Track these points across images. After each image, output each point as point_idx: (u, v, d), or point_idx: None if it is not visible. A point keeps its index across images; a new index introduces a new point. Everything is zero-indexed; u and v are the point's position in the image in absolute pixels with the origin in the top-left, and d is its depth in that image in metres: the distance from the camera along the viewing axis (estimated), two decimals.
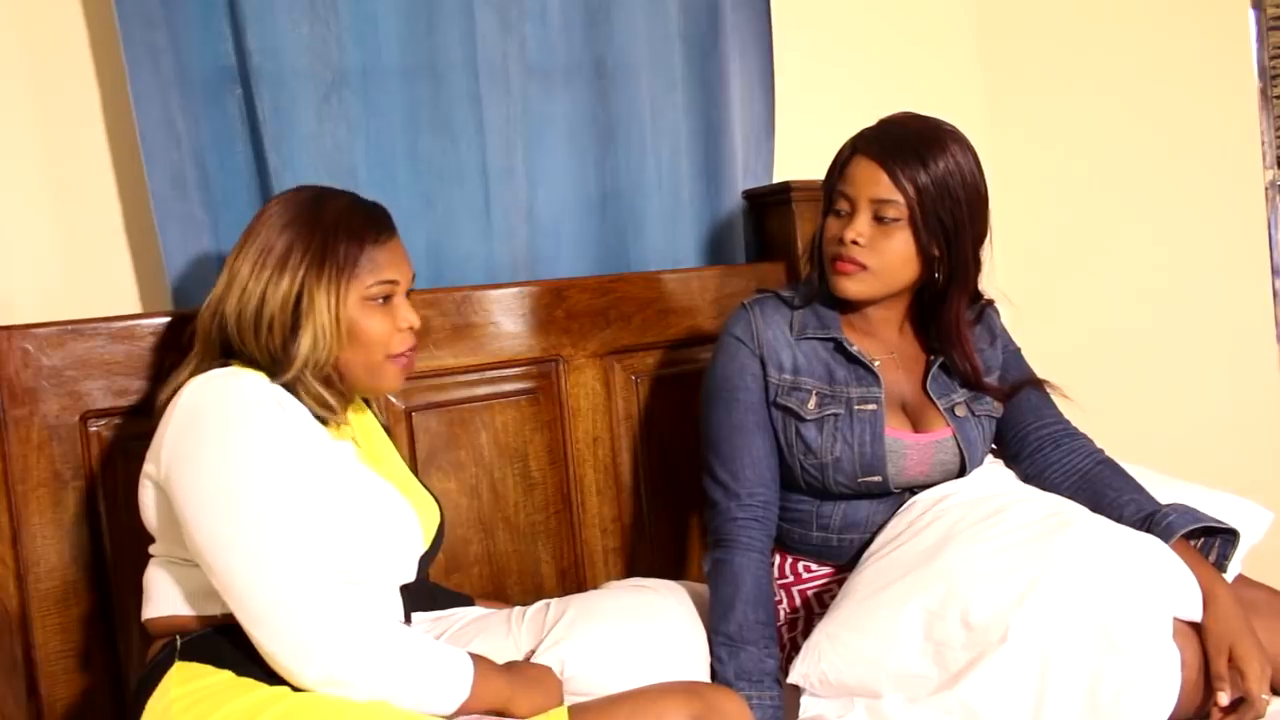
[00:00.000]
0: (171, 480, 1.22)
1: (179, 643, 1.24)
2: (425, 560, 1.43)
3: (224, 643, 1.22)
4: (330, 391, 1.33)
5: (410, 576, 1.41)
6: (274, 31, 1.72)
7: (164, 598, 1.29)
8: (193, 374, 1.30)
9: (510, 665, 1.35)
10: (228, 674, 1.20)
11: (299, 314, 1.29)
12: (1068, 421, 1.71)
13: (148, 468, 1.28)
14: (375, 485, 1.36)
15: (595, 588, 1.84)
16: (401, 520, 1.37)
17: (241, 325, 1.30)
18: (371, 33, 1.84)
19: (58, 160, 1.67)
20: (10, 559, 1.45)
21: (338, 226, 1.31)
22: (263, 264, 1.30)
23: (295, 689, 1.18)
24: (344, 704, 1.16)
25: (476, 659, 1.27)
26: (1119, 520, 1.51)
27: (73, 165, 1.68)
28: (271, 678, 1.19)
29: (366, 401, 1.54)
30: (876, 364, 1.64)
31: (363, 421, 1.48)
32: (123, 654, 1.55)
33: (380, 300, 1.34)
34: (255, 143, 1.75)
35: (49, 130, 1.66)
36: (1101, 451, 1.68)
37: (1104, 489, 1.60)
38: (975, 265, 1.63)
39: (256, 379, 1.27)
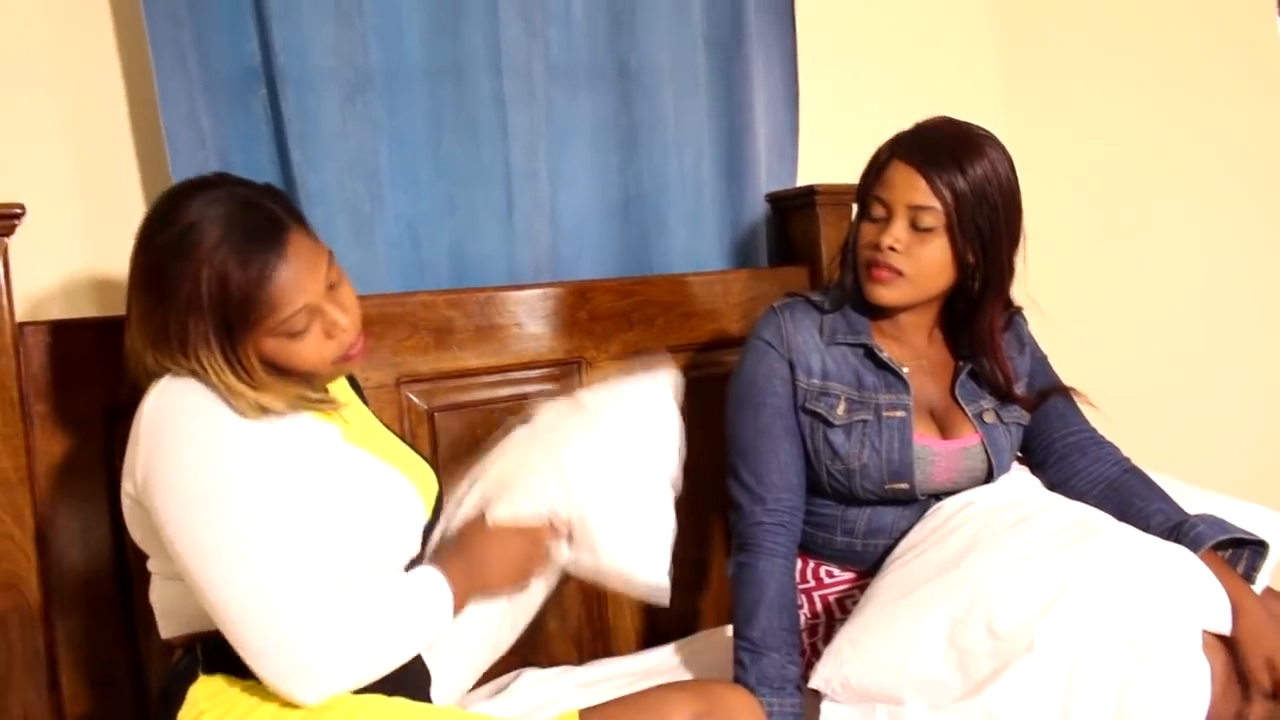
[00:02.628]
0: (148, 499, 1.17)
1: (200, 650, 1.22)
2: (428, 530, 1.38)
3: None
4: (295, 391, 1.24)
5: (415, 551, 1.36)
6: (299, 31, 1.73)
7: (178, 616, 1.26)
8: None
9: (450, 551, 1.35)
10: (252, 681, 1.18)
11: (213, 384, 1.18)
12: (1094, 429, 1.70)
13: (125, 485, 1.22)
14: (367, 466, 1.30)
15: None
16: (400, 497, 1.32)
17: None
18: (396, 34, 1.84)
19: (83, 157, 1.68)
20: (33, 553, 1.45)
21: (213, 281, 1.15)
22: (144, 336, 1.19)
23: None
24: (368, 702, 1.17)
25: (442, 568, 1.28)
26: (1146, 530, 1.49)
27: (98, 162, 1.69)
28: None
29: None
30: (905, 370, 1.63)
31: (342, 395, 1.41)
32: (143, 649, 1.55)
33: (296, 331, 1.21)
34: (279, 142, 1.76)
35: (75, 127, 1.67)
36: (1129, 460, 1.67)
37: (1131, 498, 1.59)
38: (1010, 271, 1.62)
39: (204, 389, 1.19)
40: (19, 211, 1.42)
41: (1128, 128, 2.58)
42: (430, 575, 1.27)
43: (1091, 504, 1.58)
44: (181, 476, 1.15)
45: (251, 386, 1.19)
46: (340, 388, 1.42)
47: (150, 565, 1.29)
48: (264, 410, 1.20)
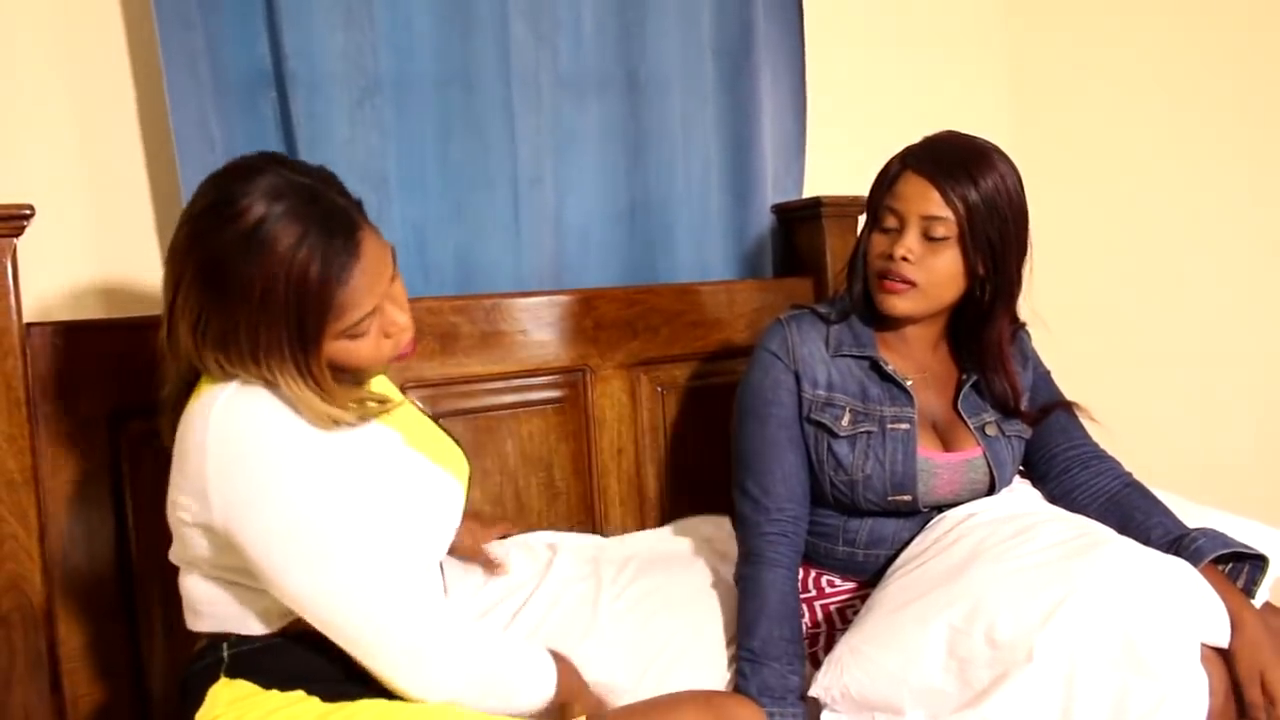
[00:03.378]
0: (234, 528, 1.14)
1: (226, 653, 1.23)
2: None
3: (272, 655, 1.22)
4: (357, 397, 1.23)
5: (447, 548, 1.39)
6: (310, 36, 1.74)
7: (215, 615, 1.24)
8: (189, 392, 1.20)
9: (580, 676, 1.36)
10: (274, 693, 1.19)
11: (284, 395, 1.15)
12: (1096, 444, 1.70)
13: (183, 510, 1.17)
14: (424, 471, 1.30)
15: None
16: (451, 500, 1.33)
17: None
18: (406, 41, 1.85)
19: (93, 159, 1.68)
20: (37, 554, 1.45)
21: (291, 283, 1.10)
22: (204, 336, 1.13)
23: (325, 699, 1.19)
24: (403, 708, 1.17)
25: (557, 658, 1.29)
26: (1146, 543, 1.49)
27: (107, 164, 1.69)
28: (313, 689, 1.19)
29: None
30: (910, 383, 1.63)
31: (391, 391, 1.42)
32: (145, 652, 1.56)
33: (360, 334, 1.19)
34: (288, 147, 1.76)
35: (85, 129, 1.67)
36: (1130, 474, 1.67)
37: (1131, 511, 1.59)
38: (1019, 283, 1.63)
39: (282, 409, 1.16)
40: (28, 213, 1.42)
41: (1136, 146, 2.59)
42: (543, 651, 1.29)
43: (1092, 517, 1.58)
44: (280, 508, 1.13)
45: (321, 396, 1.15)
46: (384, 383, 1.41)
47: (179, 558, 1.25)
48: (335, 423, 1.17)
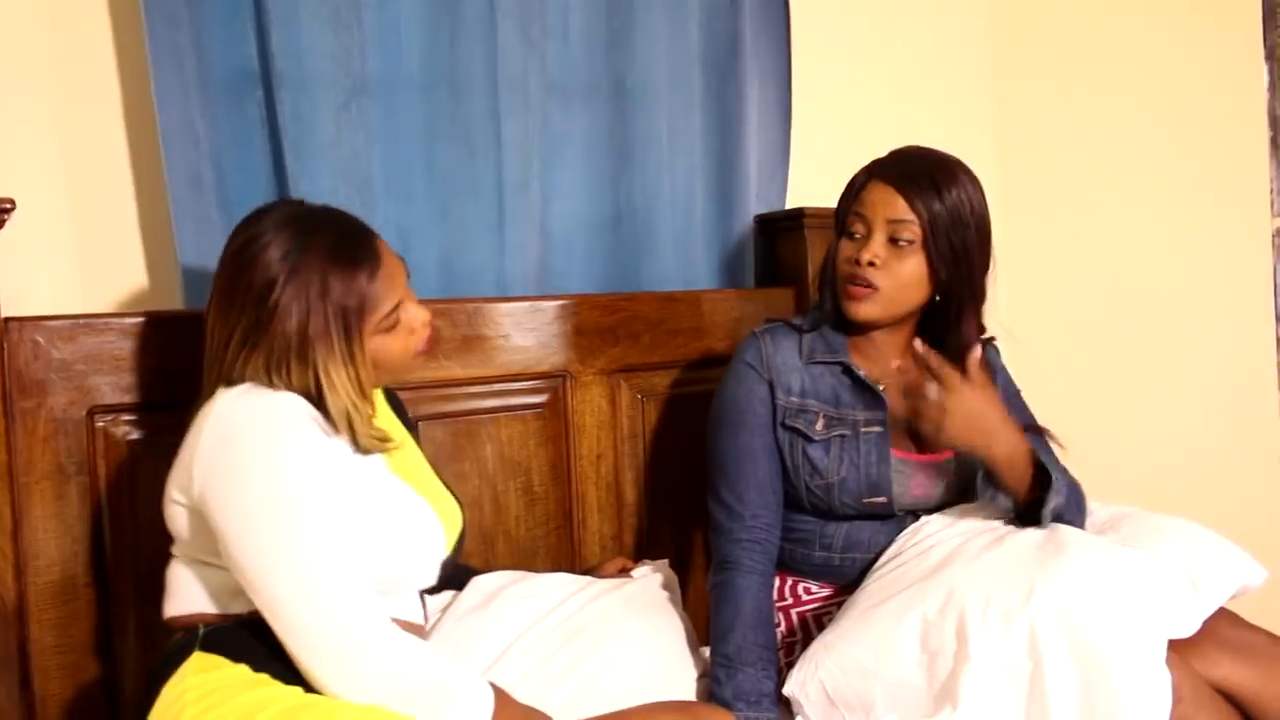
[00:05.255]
0: (207, 495, 1.22)
1: (201, 632, 1.25)
2: (445, 564, 1.44)
3: (245, 636, 1.23)
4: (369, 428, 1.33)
5: (431, 581, 1.42)
6: (297, 36, 1.73)
7: (189, 595, 1.29)
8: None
9: (528, 708, 1.34)
10: (244, 668, 1.21)
11: (320, 390, 1.27)
12: (1063, 468, 1.72)
13: (175, 488, 1.27)
14: (405, 499, 1.36)
15: None
16: (428, 532, 1.38)
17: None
18: (394, 42, 1.85)
19: (76, 154, 1.67)
20: (10, 551, 1.44)
21: (329, 283, 1.26)
22: (255, 344, 1.26)
23: (308, 689, 1.19)
24: (350, 707, 1.17)
25: (498, 691, 1.28)
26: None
27: (92, 160, 1.68)
28: (286, 675, 1.20)
29: (388, 395, 1.55)
30: (881, 388, 1.66)
31: (385, 421, 1.48)
32: (119, 651, 1.54)
33: (392, 325, 1.33)
34: (274, 147, 1.75)
35: (69, 124, 1.66)
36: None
37: None
38: (982, 294, 1.68)
39: (292, 398, 1.26)
40: (8, 206, 1.41)
41: (1116, 169, 2.62)
42: (485, 683, 1.28)
43: None
44: (254, 488, 1.21)
45: (360, 390, 1.29)
46: (391, 424, 1.49)
47: (175, 549, 1.32)
48: (351, 427, 1.28)
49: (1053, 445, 1.72)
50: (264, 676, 1.19)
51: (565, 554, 1.93)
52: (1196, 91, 2.50)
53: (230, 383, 1.27)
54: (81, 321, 1.51)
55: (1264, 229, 2.44)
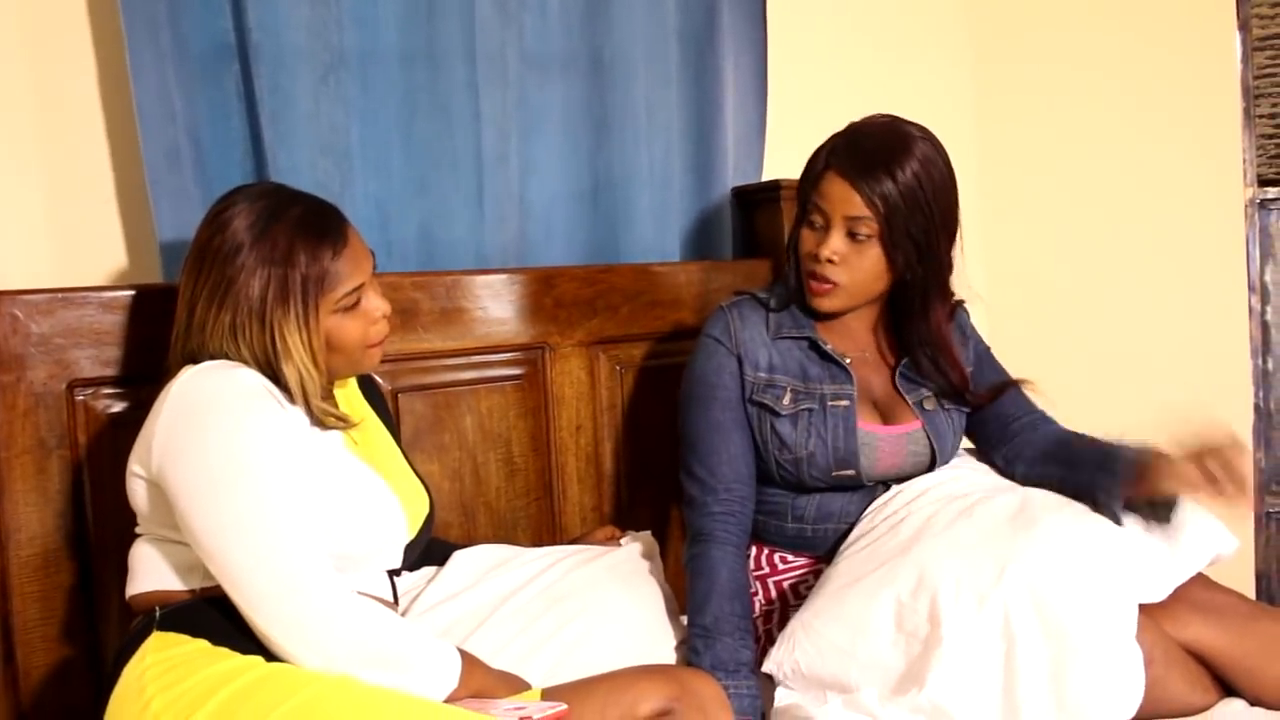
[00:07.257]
0: (165, 467, 1.24)
1: (158, 613, 1.25)
2: (411, 548, 1.44)
3: (203, 612, 1.24)
4: (322, 401, 1.36)
5: (395, 563, 1.43)
6: (274, 9, 1.72)
7: (148, 573, 1.31)
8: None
9: (501, 672, 1.36)
10: (203, 643, 1.21)
11: (276, 355, 1.30)
12: (1042, 411, 1.77)
13: (135, 462, 1.29)
14: (360, 474, 1.37)
15: None
16: (385, 510, 1.39)
17: (216, 359, 1.31)
18: (371, 16, 1.84)
19: (52, 129, 1.66)
20: None
21: (294, 252, 1.30)
22: (220, 303, 1.30)
23: (268, 659, 1.20)
24: (313, 675, 1.18)
25: (465, 655, 1.29)
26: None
27: (67, 134, 1.68)
28: (247, 648, 1.20)
29: (365, 382, 1.57)
30: (848, 361, 1.68)
31: (351, 403, 1.49)
32: (101, 624, 1.55)
33: (351, 305, 1.35)
34: (251, 120, 1.75)
35: (44, 98, 1.65)
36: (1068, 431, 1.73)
37: (1071, 468, 1.65)
38: (949, 266, 1.68)
39: (251, 373, 1.30)
40: None
41: (1093, 139, 2.64)
42: (451, 647, 1.29)
43: (1039, 470, 1.67)
44: (210, 458, 1.23)
45: (313, 359, 1.31)
46: (355, 404, 1.50)
47: (139, 529, 1.35)
48: (304, 396, 1.31)
49: (1031, 395, 1.76)
50: (224, 650, 1.20)
51: (546, 525, 1.95)
52: (1171, 60, 2.52)
53: (195, 360, 1.30)
54: (60, 295, 1.51)
55: (1237, 199, 2.47)
